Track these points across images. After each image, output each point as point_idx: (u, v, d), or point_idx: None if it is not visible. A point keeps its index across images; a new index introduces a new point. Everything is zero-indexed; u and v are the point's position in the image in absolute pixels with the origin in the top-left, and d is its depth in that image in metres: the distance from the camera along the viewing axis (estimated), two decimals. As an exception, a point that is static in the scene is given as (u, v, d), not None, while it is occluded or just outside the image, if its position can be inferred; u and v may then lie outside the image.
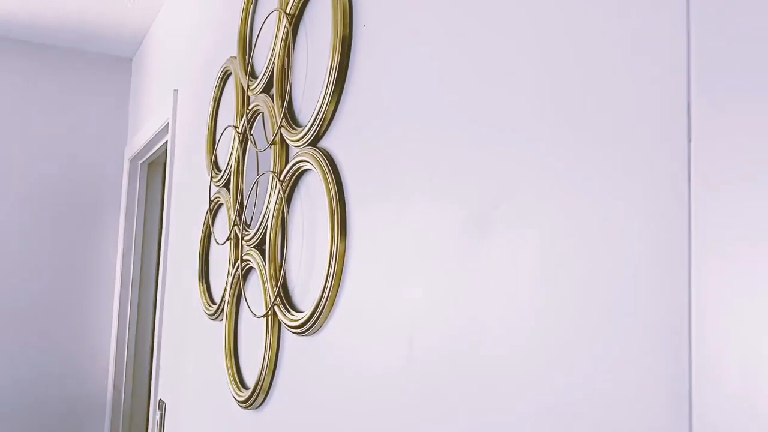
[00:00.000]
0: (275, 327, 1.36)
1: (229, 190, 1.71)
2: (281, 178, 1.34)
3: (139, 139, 2.95)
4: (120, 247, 3.15)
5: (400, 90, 1.00)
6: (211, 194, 1.81)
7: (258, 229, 1.44)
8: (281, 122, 1.36)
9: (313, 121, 1.22)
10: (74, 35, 3.09)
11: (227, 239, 1.62)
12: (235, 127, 1.64)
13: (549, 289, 0.70)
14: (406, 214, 0.96)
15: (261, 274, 1.42)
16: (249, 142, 1.59)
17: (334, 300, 1.14)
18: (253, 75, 1.60)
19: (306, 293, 1.25)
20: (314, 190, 1.26)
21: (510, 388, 0.74)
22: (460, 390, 0.81)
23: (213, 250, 1.83)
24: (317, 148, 1.23)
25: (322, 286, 1.14)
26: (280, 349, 1.36)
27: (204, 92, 2.06)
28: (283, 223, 1.38)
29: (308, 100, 1.31)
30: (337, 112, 1.19)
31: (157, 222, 3.14)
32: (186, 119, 2.23)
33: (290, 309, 1.29)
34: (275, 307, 1.32)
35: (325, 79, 1.19)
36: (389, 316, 0.97)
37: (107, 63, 3.33)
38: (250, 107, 1.55)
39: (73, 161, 3.20)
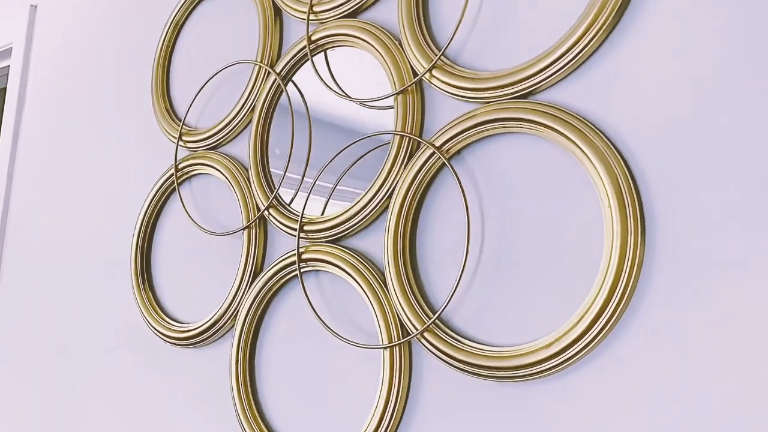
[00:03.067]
0: (406, 365, 0.89)
1: (226, 155, 1.15)
2: (441, 147, 0.89)
3: None
4: None
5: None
6: (178, 160, 1.20)
7: (357, 214, 0.95)
8: (435, 62, 0.92)
9: (557, 58, 0.81)
10: None
11: (246, 227, 1.07)
12: (262, 63, 1.11)
13: None
14: None
15: (363, 283, 0.93)
16: (284, 90, 1.08)
17: (612, 327, 0.76)
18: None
19: (491, 314, 0.84)
20: (518, 164, 0.85)
21: None
22: None
23: (163, 242, 1.22)
24: (541, 102, 0.84)
25: (599, 305, 0.75)
26: (409, 402, 0.89)
27: (113, 12, 1.42)
28: (418, 208, 0.93)
29: (506, 26, 0.90)
30: (606, 43, 0.80)
31: None
32: (60, 47, 1.52)
33: (456, 335, 0.85)
34: (424, 335, 0.86)
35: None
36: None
37: None
38: (312, 38, 1.05)
39: None
